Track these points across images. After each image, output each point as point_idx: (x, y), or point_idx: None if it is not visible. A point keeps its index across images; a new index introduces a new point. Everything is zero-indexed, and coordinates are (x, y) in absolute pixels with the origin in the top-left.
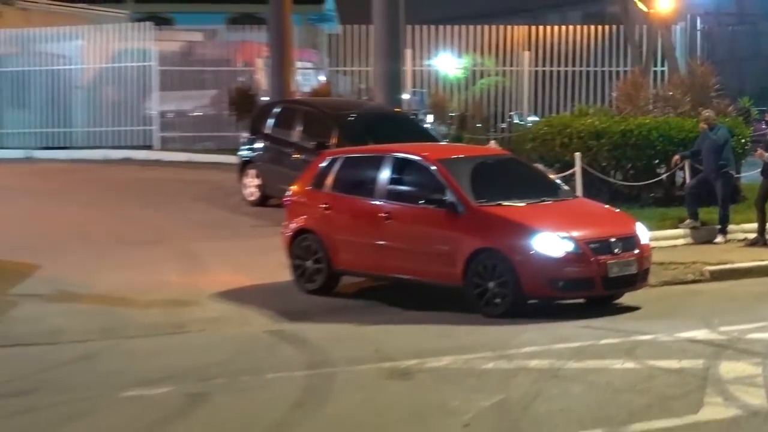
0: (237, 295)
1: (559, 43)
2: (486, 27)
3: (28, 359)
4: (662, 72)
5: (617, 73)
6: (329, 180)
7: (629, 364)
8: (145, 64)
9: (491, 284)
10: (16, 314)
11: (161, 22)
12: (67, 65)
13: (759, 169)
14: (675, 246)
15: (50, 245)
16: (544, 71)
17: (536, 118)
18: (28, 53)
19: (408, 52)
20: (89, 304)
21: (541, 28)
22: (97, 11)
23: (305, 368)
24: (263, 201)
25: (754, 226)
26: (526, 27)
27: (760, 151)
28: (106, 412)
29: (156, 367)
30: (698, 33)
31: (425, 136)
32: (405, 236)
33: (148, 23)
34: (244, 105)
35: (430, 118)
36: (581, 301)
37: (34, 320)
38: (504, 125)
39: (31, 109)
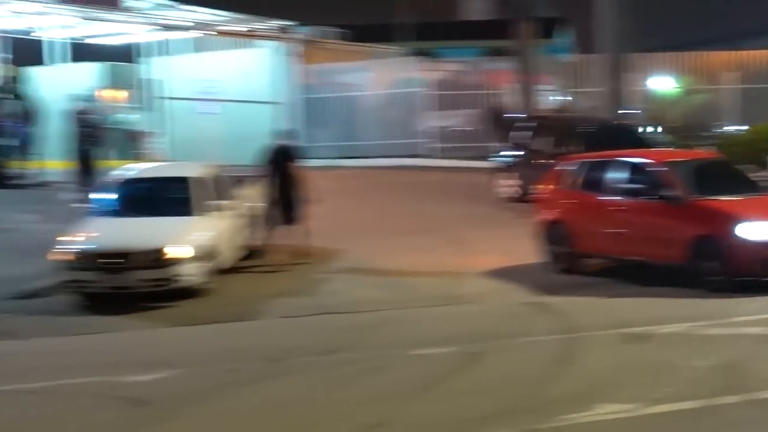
0: (499, 274)
1: (759, 65)
2: (694, 53)
3: (337, 324)
4: None
5: None
6: (573, 180)
7: None
8: (416, 90)
9: (708, 264)
10: (327, 288)
11: (428, 55)
12: (357, 92)
13: None
14: None
15: (350, 234)
16: (748, 88)
17: (741, 128)
18: (330, 83)
19: (630, 75)
20: (383, 280)
21: (743, 52)
22: (380, 49)
23: (556, 333)
24: (518, 198)
25: None
26: (729, 52)
27: None
28: (397, 367)
29: (437, 331)
30: None
31: (644, 143)
32: (636, 225)
33: (418, 57)
34: (496, 121)
35: (649, 128)
36: None
37: (341, 293)
38: (712, 133)
39: (331, 127)
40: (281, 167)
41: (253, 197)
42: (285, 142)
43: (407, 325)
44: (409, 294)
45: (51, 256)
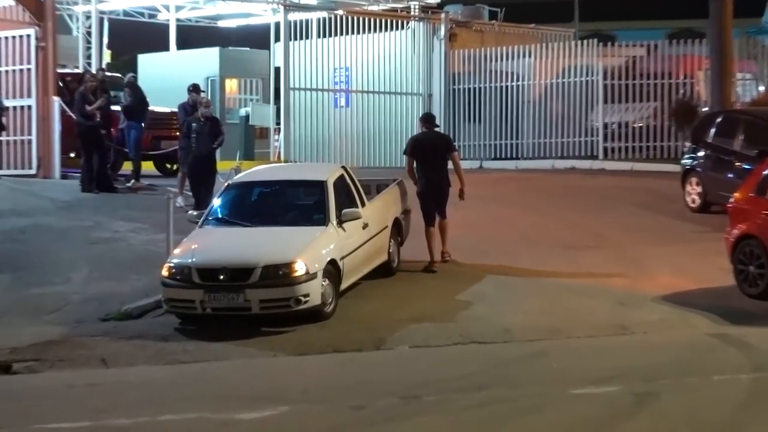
0: (679, 298)
1: None
2: None
3: (482, 356)
4: None
5: None
6: None
7: None
8: (590, 78)
9: None
10: (471, 312)
11: (604, 39)
12: (516, 81)
13: None
14: None
15: (500, 248)
16: None
17: None
18: (481, 71)
19: None
20: (537, 304)
21: None
22: (545, 30)
23: (747, 371)
24: (704, 208)
25: None
26: None
27: None
28: (555, 408)
29: (602, 366)
30: None
31: None
32: None
33: (592, 41)
34: (684, 116)
35: None
36: None
37: (487, 318)
38: None
39: (482, 123)
40: (434, 158)
41: (392, 204)
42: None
43: (567, 358)
44: (568, 321)
45: (160, 271)
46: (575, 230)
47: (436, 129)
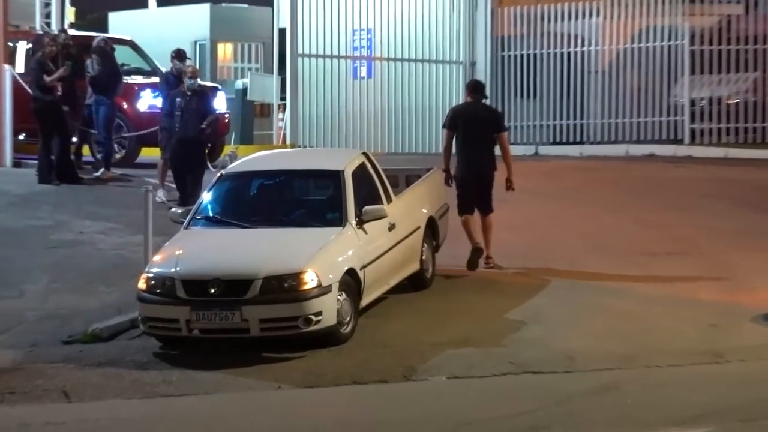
0: None
1: None
2: None
3: (538, 389)
4: None
5: None
6: None
7: None
8: (674, 43)
9: None
10: (523, 335)
11: None
12: (581, 47)
13: None
14: None
15: (561, 255)
16: None
17: None
18: (537, 34)
19: None
20: (606, 323)
21: None
22: None
23: None
24: None
25: None
26: None
27: None
28: None
29: (689, 402)
30: None
31: None
32: None
33: None
34: None
35: None
36: None
37: (543, 342)
38: None
39: (539, 99)
40: (479, 135)
41: (426, 200)
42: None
43: (644, 392)
44: (646, 346)
45: (136, 283)
46: (655, 233)
47: (485, 101)
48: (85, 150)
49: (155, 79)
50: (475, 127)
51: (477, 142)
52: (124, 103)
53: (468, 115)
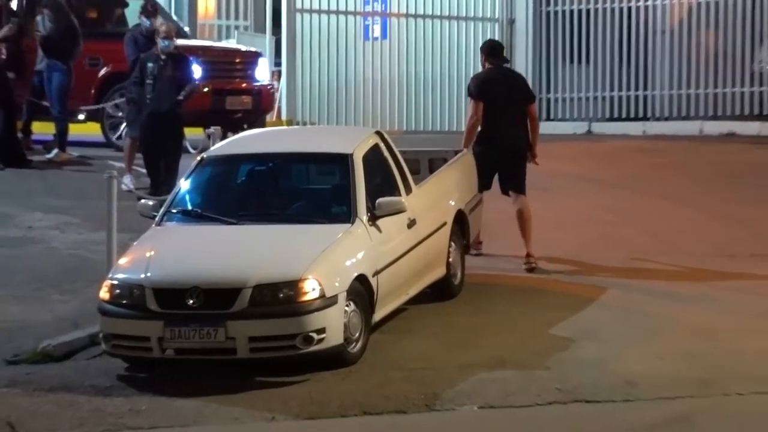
0: None
1: None
2: None
3: (595, 421)
4: None
5: None
6: None
7: None
8: None
9: None
10: (573, 355)
11: None
12: (645, 0)
13: None
14: None
15: (620, 257)
16: None
17: None
18: None
19: None
20: (675, 342)
21: None
22: None
23: None
24: None
25: None
26: None
27: None
28: None
29: None
30: None
31: None
32: None
33: None
34: None
35: None
36: None
37: (597, 364)
38: None
39: (593, 65)
40: (509, 106)
41: (454, 190)
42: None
43: (721, 426)
44: (723, 370)
45: (97, 292)
46: (735, 230)
47: (506, 65)
48: (38, 126)
49: None
50: (506, 98)
51: (508, 114)
52: None
53: (495, 83)
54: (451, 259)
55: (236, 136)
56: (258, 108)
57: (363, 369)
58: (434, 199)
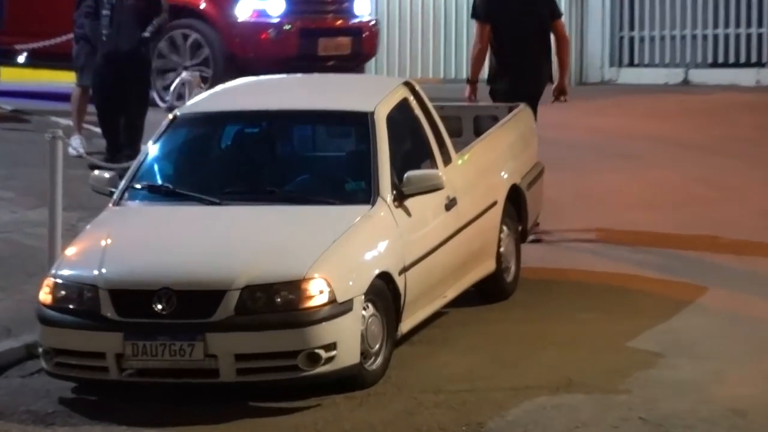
0: None
1: None
2: None
3: None
4: None
5: None
6: None
7: None
8: None
9: None
10: (662, 375)
11: None
12: None
13: None
14: None
15: (724, 246)
16: None
17: None
18: None
19: None
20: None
21: None
22: None
23: None
24: None
25: None
26: None
27: None
28: None
29: None
30: None
31: None
32: None
33: None
34: None
35: None
36: None
37: (694, 387)
38: None
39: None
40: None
41: (507, 158)
42: None
43: None
44: None
45: (36, 292)
46: None
47: None
48: None
49: None
50: (520, 15)
51: (525, 38)
52: None
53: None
54: (502, 250)
55: (221, 87)
56: (359, 53)
57: (386, 391)
58: (481, 172)
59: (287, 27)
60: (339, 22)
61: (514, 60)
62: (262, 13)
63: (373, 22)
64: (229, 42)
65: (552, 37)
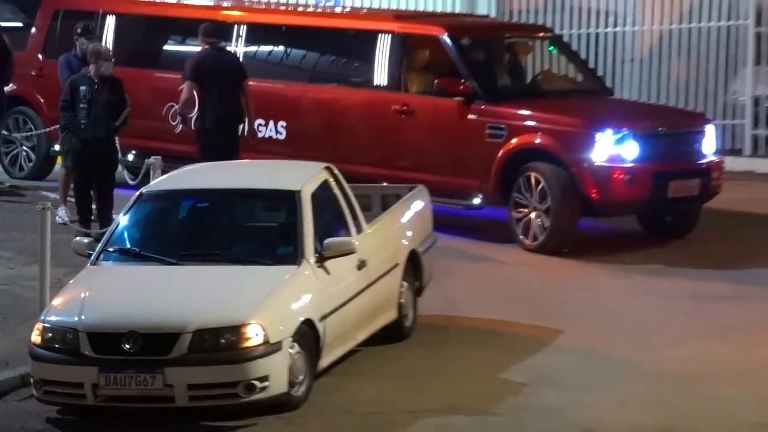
0: None
1: None
2: None
3: None
4: None
5: None
6: None
7: None
8: (734, 23)
9: None
10: (531, 401)
11: None
12: (613, 27)
13: None
14: None
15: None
16: None
17: None
18: (556, 8)
19: None
20: (640, 390)
21: None
22: None
23: None
24: None
25: None
26: None
27: None
28: None
29: None
30: None
31: None
32: None
33: None
34: None
35: None
36: None
37: (557, 412)
38: None
39: None
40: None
41: (407, 228)
42: None
43: None
44: (691, 417)
45: (29, 334)
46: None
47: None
48: None
49: None
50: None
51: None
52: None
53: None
54: (402, 301)
55: (180, 170)
56: (706, 193)
57: (309, 413)
58: (386, 239)
59: (641, 171)
60: (689, 163)
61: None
62: (617, 158)
63: (719, 160)
64: (583, 184)
65: None
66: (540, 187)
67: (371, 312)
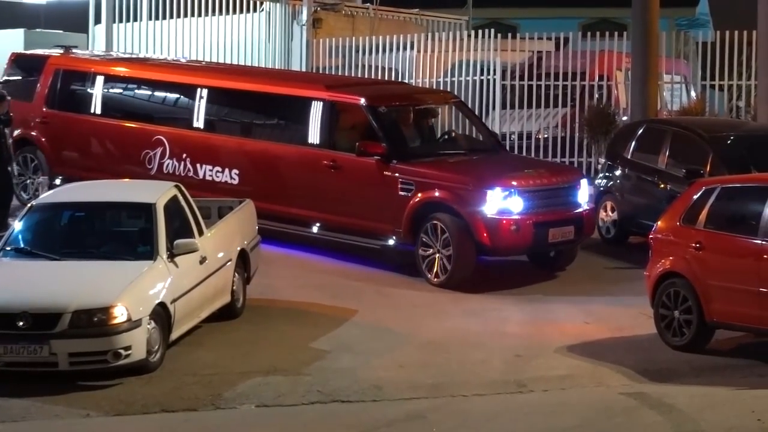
0: (588, 349)
1: None
2: None
3: (345, 418)
4: None
5: None
6: (703, 214)
7: None
8: (485, 78)
9: None
10: (331, 364)
11: (504, 29)
12: (399, 79)
13: None
14: None
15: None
16: None
17: None
18: (352, 65)
19: None
20: (413, 354)
21: None
22: (432, 17)
23: None
24: (620, 238)
25: None
26: None
27: None
28: None
29: (494, 430)
30: None
31: None
32: None
33: (489, 31)
34: (600, 125)
35: None
36: None
37: (351, 372)
38: None
39: None
40: None
41: (238, 232)
42: None
43: (449, 420)
44: (452, 376)
45: None
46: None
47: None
48: None
49: None
50: None
51: None
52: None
53: None
54: (234, 288)
55: (62, 187)
56: (580, 237)
57: (162, 375)
58: (222, 240)
59: (525, 221)
60: (566, 213)
61: None
62: (505, 211)
63: (591, 209)
64: (477, 232)
65: None
66: (445, 236)
67: (211, 296)
